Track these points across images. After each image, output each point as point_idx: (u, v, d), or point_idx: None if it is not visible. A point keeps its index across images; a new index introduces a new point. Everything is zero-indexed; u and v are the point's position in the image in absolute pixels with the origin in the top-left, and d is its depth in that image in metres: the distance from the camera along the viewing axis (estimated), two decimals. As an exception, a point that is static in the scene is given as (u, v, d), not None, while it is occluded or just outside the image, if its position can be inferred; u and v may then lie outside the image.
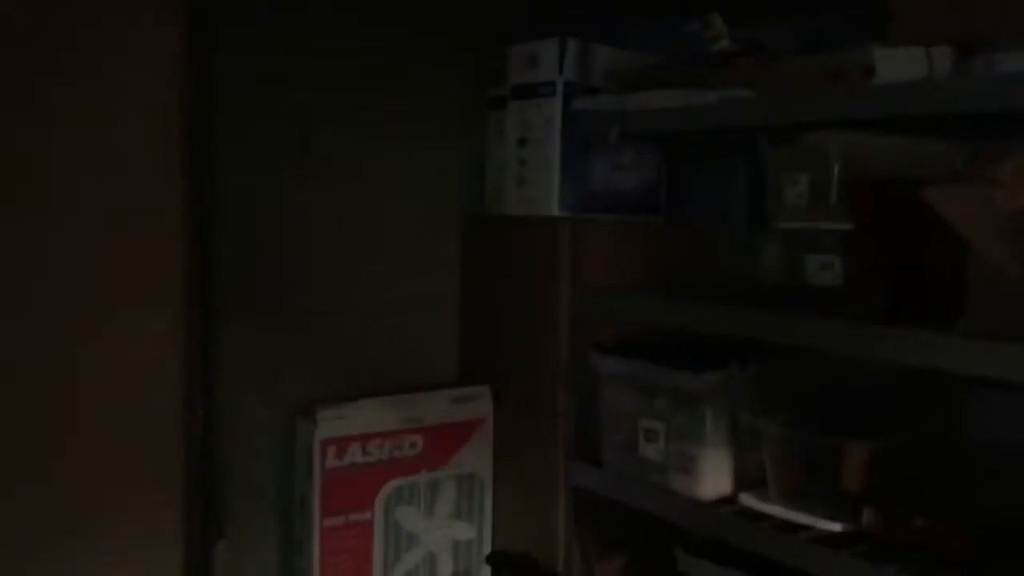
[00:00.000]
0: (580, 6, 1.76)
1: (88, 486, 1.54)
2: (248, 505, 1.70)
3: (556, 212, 1.69)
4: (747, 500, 1.45)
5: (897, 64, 1.22)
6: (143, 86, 1.56)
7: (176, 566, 1.63)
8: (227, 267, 1.63)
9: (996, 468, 1.38)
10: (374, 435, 1.69)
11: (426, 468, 1.75)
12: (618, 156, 1.77)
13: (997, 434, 1.43)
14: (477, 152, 1.90)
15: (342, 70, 1.74)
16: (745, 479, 1.48)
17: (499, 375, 1.82)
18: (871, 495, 1.31)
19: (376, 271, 1.81)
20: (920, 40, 1.21)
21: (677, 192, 1.88)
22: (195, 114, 1.59)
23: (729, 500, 1.47)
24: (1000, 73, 1.18)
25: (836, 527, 1.33)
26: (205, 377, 1.63)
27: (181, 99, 1.58)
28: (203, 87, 1.59)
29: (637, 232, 1.76)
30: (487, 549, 1.81)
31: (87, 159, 1.51)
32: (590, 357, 1.62)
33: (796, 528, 1.35)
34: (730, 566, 1.45)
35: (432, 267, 1.89)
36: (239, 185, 1.64)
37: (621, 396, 1.60)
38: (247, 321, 1.66)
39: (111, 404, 1.56)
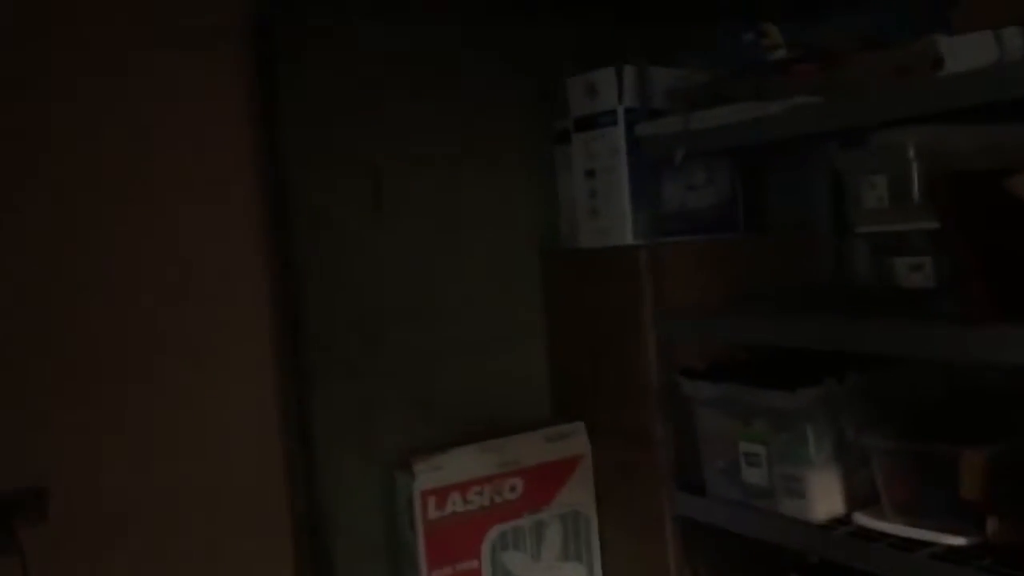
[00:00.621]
0: (632, 29, 1.75)
1: (203, 556, 1.58)
2: (357, 560, 1.72)
3: (630, 240, 1.67)
4: (861, 519, 1.39)
5: (966, 51, 1.16)
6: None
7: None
8: (312, 323, 1.66)
9: None
10: (473, 482, 1.68)
11: (529, 511, 1.74)
12: (690, 176, 1.74)
13: None
14: (551, 188, 1.89)
15: (416, 116, 1.76)
16: (857, 497, 1.42)
17: (592, 409, 1.79)
18: (994, 504, 1.23)
19: (461, 315, 1.81)
20: (986, 23, 1.15)
21: (755, 205, 1.83)
22: (272, 176, 1.64)
23: (842, 520, 1.41)
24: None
25: (959, 541, 1.26)
26: (303, 436, 1.66)
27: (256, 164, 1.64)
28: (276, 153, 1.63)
29: (716, 249, 1.72)
30: (600, 588, 1.78)
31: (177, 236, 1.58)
32: (680, 383, 1.59)
33: (916, 545, 1.29)
34: (849, 589, 1.39)
35: (515, 306, 1.88)
36: (319, 240, 1.67)
37: (716, 421, 1.55)
38: (339, 376, 1.69)
39: (216, 474, 1.60)
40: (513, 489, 1.72)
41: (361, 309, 1.72)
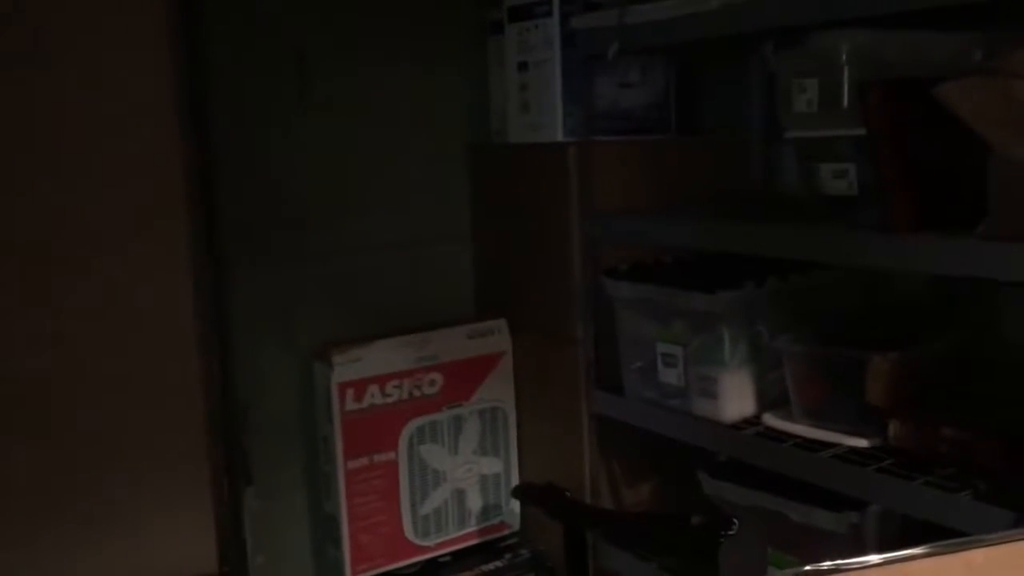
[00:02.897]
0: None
1: (112, 443, 1.55)
2: (275, 451, 1.71)
3: (561, 137, 1.63)
4: (770, 420, 1.42)
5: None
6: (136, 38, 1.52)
7: (206, 515, 1.65)
8: (233, 213, 1.61)
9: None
10: (392, 375, 1.67)
11: (448, 405, 1.75)
12: (623, 74, 1.70)
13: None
14: (483, 81, 1.84)
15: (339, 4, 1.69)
16: (767, 399, 1.45)
17: (516, 307, 1.79)
18: (898, 408, 1.27)
19: (384, 208, 1.78)
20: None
21: (690, 108, 1.81)
22: (190, 60, 1.55)
23: (752, 421, 1.44)
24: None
25: (862, 443, 1.30)
26: (219, 325, 1.62)
27: (172, 47, 1.54)
28: (195, 34, 1.55)
29: (647, 150, 1.70)
30: (514, 482, 1.81)
31: (86, 117, 1.49)
32: (603, 283, 1.58)
33: (821, 446, 1.32)
34: (755, 487, 1.43)
35: (441, 202, 1.85)
36: (239, 128, 1.60)
37: (637, 321, 1.56)
38: (258, 267, 1.65)
39: (128, 360, 1.55)
40: (432, 384, 1.72)
41: (283, 200, 1.68)
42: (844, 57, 1.23)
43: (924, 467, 1.20)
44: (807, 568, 0.46)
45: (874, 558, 0.45)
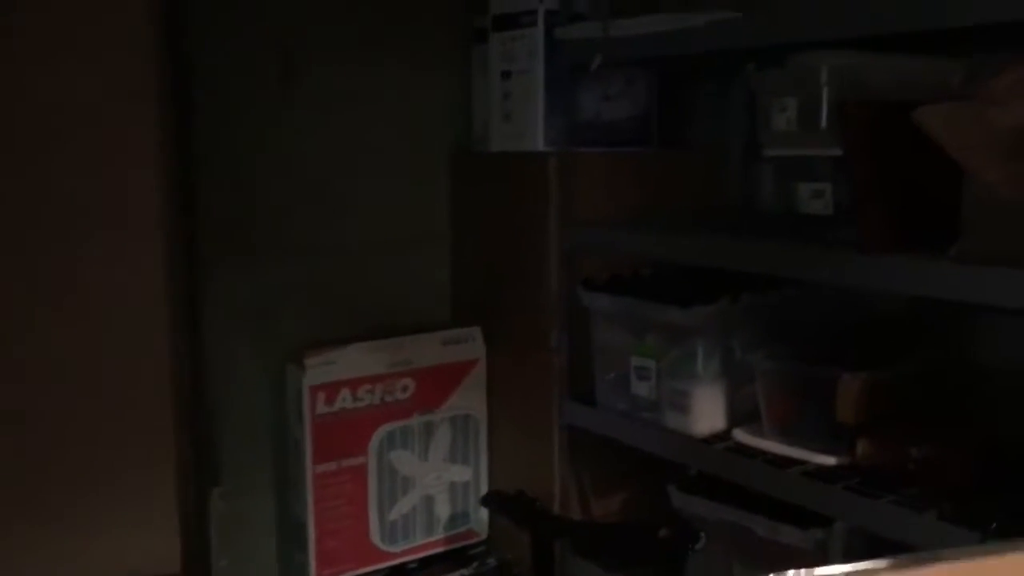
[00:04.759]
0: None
1: (79, 440, 1.53)
2: (243, 453, 1.70)
3: (541, 146, 1.64)
4: (740, 436, 1.42)
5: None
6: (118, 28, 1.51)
7: (171, 515, 1.63)
8: (211, 212, 1.60)
9: (1007, 394, 1.33)
10: (364, 379, 1.67)
11: (419, 411, 1.74)
12: (607, 86, 1.71)
13: (1009, 359, 1.39)
14: (466, 88, 1.84)
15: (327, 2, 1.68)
16: (739, 415, 1.46)
17: (492, 315, 1.79)
18: (866, 427, 1.28)
19: (364, 210, 1.78)
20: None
21: (672, 122, 1.82)
22: (172, 53, 1.54)
23: (722, 436, 1.45)
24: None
25: (830, 460, 1.30)
26: (192, 324, 1.61)
27: (155, 37, 1.53)
28: (178, 28, 1.54)
29: (628, 163, 1.71)
30: (484, 490, 1.80)
31: (57, 106, 1.47)
32: (579, 294, 1.59)
33: (789, 463, 1.33)
34: (724, 502, 1.43)
35: (422, 207, 1.85)
36: (220, 126, 1.60)
37: (612, 333, 1.56)
38: (234, 265, 1.64)
39: (98, 357, 1.54)
40: (405, 389, 1.71)
41: (262, 199, 1.67)
42: (824, 77, 1.25)
43: (891, 486, 1.21)
44: (772, 576, 0.46)
45: (839, 568, 0.45)
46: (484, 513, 1.80)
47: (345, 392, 1.65)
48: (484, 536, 1.82)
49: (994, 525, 1.06)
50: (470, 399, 1.78)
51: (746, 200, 1.55)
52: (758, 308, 1.45)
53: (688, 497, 1.50)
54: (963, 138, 1.10)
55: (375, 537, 1.71)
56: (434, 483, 1.77)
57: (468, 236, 1.84)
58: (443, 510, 1.79)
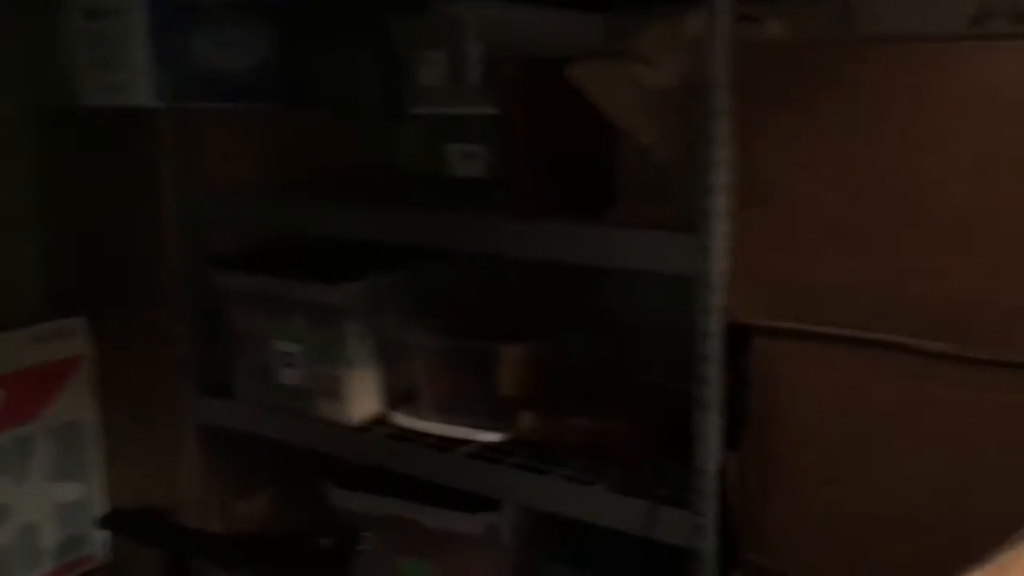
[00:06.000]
0: None
1: None
2: None
3: (149, 101, 1.39)
4: (399, 418, 1.32)
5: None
6: None
7: None
8: None
9: (665, 352, 1.34)
10: (-71, 395, 1.33)
11: (12, 425, 1.43)
12: (221, 32, 1.49)
13: (654, 319, 1.40)
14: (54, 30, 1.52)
15: None
16: (398, 396, 1.35)
17: (100, 302, 1.51)
18: (529, 400, 1.23)
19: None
20: None
21: (303, 77, 1.64)
22: None
23: (380, 421, 1.34)
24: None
25: (493, 437, 1.25)
26: None
27: None
28: None
29: (255, 122, 1.51)
30: (101, 508, 1.54)
31: None
32: (208, 273, 1.38)
33: (453, 443, 1.25)
34: (385, 495, 1.32)
35: (5, 177, 1.51)
36: None
37: (249, 317, 1.38)
38: None
39: None
40: (-11, 401, 1.40)
41: None
42: (472, 29, 1.15)
43: (559, 459, 1.17)
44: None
45: None
46: (106, 535, 1.54)
47: (-98, 414, 1.30)
48: (107, 560, 1.56)
49: (662, 492, 1.06)
50: (76, 404, 1.50)
51: (391, 163, 1.43)
52: (411, 281, 1.35)
53: (346, 493, 1.37)
54: (616, 97, 1.07)
55: (-41, 587, 1.39)
56: (37, 507, 1.48)
57: (67, 211, 1.53)
58: (51, 538, 1.50)
